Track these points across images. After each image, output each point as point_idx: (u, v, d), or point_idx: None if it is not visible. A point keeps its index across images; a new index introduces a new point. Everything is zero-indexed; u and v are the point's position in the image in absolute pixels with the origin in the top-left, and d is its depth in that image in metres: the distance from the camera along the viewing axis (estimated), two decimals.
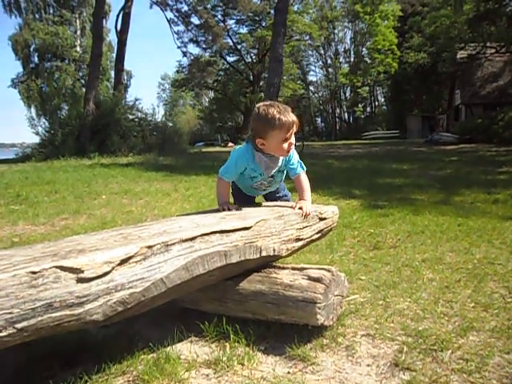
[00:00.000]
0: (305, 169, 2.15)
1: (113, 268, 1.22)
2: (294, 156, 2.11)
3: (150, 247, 1.32)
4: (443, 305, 2.03)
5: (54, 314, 1.11)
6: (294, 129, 1.98)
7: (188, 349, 1.65)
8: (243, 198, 2.26)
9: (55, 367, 1.50)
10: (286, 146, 1.97)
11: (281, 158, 2.08)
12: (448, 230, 3.52)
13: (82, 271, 1.15)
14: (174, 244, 1.39)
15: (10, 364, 1.55)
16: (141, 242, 1.34)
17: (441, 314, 1.92)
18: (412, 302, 2.06)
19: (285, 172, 2.20)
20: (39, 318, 1.09)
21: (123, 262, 1.25)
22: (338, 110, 46.32)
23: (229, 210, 1.97)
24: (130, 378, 1.46)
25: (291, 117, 1.95)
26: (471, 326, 1.78)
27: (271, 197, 2.36)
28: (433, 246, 3.07)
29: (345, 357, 1.60)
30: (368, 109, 46.68)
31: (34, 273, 1.07)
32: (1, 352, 1.43)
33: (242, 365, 1.54)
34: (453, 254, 2.87)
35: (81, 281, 1.15)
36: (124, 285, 1.25)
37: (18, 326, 1.05)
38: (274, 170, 2.10)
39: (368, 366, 1.54)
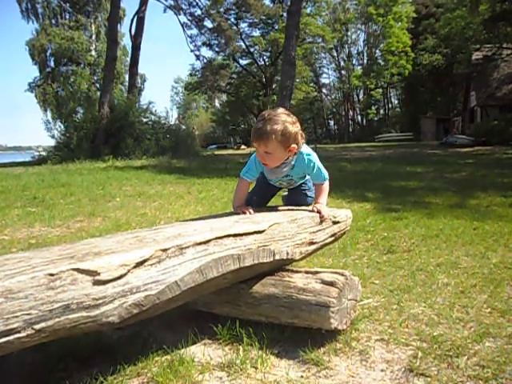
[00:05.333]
0: (327, 178, 2.15)
1: (128, 271, 1.23)
2: (315, 168, 2.08)
3: (164, 250, 1.34)
4: (459, 310, 2.00)
5: (71, 316, 1.13)
6: (257, 143, 1.91)
7: (201, 351, 1.66)
8: (267, 188, 2.27)
9: (71, 368, 1.53)
10: (256, 151, 1.98)
11: (287, 169, 2.06)
12: (463, 234, 3.48)
13: (99, 273, 1.17)
14: (188, 247, 1.41)
15: (27, 364, 1.58)
16: (156, 244, 1.35)
17: (456, 320, 1.89)
18: (427, 307, 2.04)
19: (307, 176, 2.21)
20: (57, 320, 1.11)
21: (138, 264, 1.26)
22: (350, 113, 46.09)
23: (243, 213, 1.98)
24: (145, 380, 1.48)
25: (261, 126, 1.88)
26: (487, 332, 1.76)
27: (296, 193, 2.31)
28: (448, 250, 3.03)
29: (358, 361, 1.59)
30: (381, 111, 46.35)
31: (51, 275, 1.09)
32: (18, 352, 1.46)
33: (256, 368, 1.54)
34: (468, 259, 2.83)
35: (97, 283, 1.17)
36: (139, 287, 1.26)
37: (37, 326, 1.07)
38: (281, 176, 2.10)
39: (382, 371, 1.53)
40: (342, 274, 1.73)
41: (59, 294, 1.11)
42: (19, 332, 1.05)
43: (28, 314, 1.06)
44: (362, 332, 1.80)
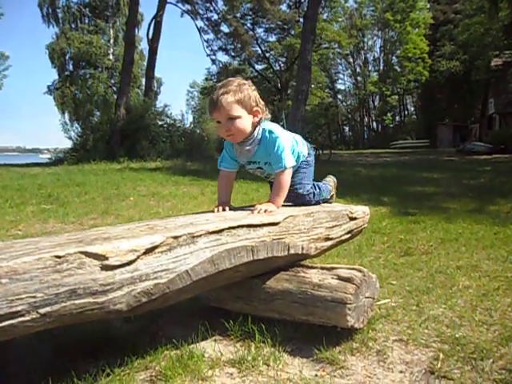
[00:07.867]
0: (287, 166, 1.80)
1: (138, 257, 1.18)
2: (279, 149, 1.80)
3: (175, 238, 1.29)
4: (481, 313, 1.91)
5: (77, 301, 1.09)
6: (217, 112, 1.74)
7: (212, 347, 1.60)
8: None
9: (78, 358, 1.48)
10: (218, 127, 1.81)
11: (253, 146, 1.83)
12: (483, 238, 3.37)
13: (107, 258, 1.12)
14: (200, 236, 1.35)
15: (33, 353, 1.55)
16: (167, 232, 1.31)
17: (479, 322, 1.80)
18: (447, 309, 1.95)
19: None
20: (63, 304, 1.06)
21: (148, 251, 1.21)
22: (366, 119, 45.75)
23: (218, 211, 1.79)
24: (153, 373, 1.43)
25: (215, 94, 1.73)
26: None
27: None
28: (468, 254, 2.93)
29: (376, 362, 1.52)
30: (397, 117, 45.88)
31: (58, 257, 1.05)
32: (24, 341, 1.43)
33: (268, 365, 1.48)
34: (490, 262, 2.73)
35: (105, 268, 1.12)
36: (149, 275, 1.22)
37: (42, 310, 1.03)
38: (248, 159, 1.90)
39: (401, 372, 1.45)
40: (360, 271, 1.66)
41: (66, 277, 1.06)
42: (23, 315, 1.01)
43: (33, 297, 1.01)
44: (380, 332, 1.72)
